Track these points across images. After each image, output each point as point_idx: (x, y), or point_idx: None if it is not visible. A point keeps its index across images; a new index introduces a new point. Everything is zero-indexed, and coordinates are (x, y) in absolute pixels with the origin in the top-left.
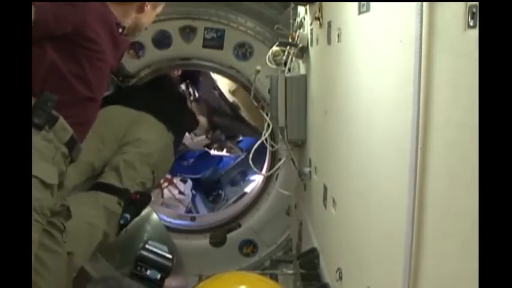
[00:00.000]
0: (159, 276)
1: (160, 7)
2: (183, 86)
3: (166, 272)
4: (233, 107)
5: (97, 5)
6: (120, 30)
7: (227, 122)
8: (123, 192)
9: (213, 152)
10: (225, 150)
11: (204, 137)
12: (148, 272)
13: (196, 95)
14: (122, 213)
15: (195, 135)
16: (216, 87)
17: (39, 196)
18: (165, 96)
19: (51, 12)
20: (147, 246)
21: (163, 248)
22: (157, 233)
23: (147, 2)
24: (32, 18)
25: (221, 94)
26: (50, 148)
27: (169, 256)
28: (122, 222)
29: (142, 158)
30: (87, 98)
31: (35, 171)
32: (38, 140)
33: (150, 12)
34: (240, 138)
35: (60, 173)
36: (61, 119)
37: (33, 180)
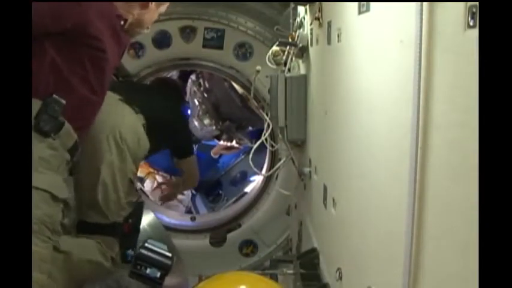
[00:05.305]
0: (158, 274)
1: (164, 6)
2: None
3: (166, 270)
4: (242, 98)
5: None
6: (122, 22)
7: (236, 112)
8: (113, 229)
9: (222, 142)
10: (234, 141)
11: (213, 127)
12: (147, 271)
13: (207, 85)
14: (123, 251)
15: (205, 125)
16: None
17: (49, 211)
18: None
19: (48, 10)
20: (146, 244)
21: (163, 247)
22: (155, 233)
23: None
24: None
25: (231, 85)
26: (56, 157)
27: (169, 254)
28: (128, 259)
29: (118, 170)
30: (89, 100)
31: (44, 184)
32: (44, 149)
33: (154, 9)
34: (250, 128)
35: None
36: (67, 124)
37: (44, 195)
